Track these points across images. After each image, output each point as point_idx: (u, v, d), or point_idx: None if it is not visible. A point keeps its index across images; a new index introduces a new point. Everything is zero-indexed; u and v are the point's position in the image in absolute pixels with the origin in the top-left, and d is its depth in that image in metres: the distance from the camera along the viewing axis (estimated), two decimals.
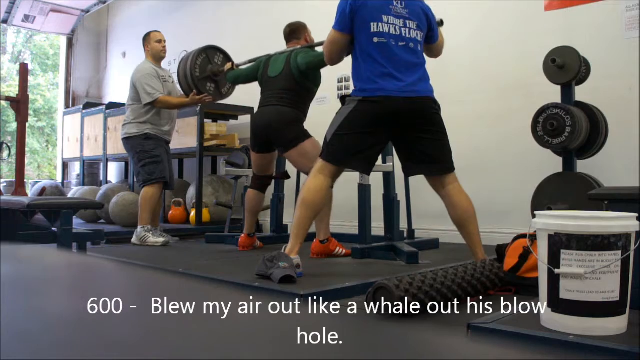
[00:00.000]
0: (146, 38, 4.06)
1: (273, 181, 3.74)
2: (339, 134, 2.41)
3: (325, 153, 2.45)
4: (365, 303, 1.82)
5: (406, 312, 1.72)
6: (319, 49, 3.15)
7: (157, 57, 4.03)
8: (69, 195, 5.55)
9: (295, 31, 3.43)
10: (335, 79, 4.67)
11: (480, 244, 2.47)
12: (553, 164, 3.16)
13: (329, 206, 3.11)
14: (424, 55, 2.54)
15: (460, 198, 2.46)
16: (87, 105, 6.42)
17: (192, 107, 4.19)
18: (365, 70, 2.40)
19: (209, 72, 3.87)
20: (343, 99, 2.48)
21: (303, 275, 2.38)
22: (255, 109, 4.09)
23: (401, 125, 2.42)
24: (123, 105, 5.82)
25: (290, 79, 3.18)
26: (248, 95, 5.02)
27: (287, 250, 2.39)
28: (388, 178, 3.36)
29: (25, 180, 4.73)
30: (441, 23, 2.68)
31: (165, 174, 3.90)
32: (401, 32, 2.40)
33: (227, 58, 4.00)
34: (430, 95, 2.44)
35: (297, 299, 1.98)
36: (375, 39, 2.37)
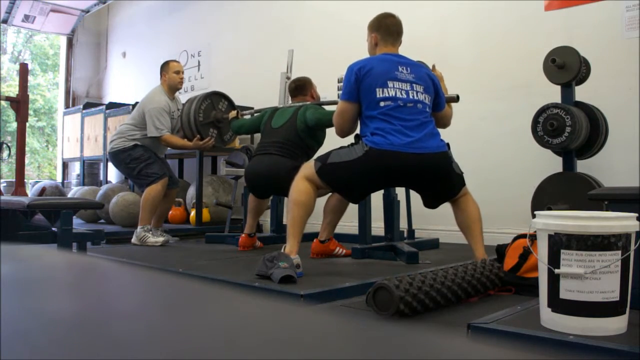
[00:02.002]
0: (164, 67, 4.03)
1: None
2: (340, 168, 2.42)
3: (320, 171, 2.45)
4: (365, 303, 1.82)
5: (406, 312, 1.72)
6: (328, 107, 3.16)
7: (173, 87, 4.01)
8: (69, 195, 5.54)
9: (301, 87, 3.44)
10: (335, 79, 4.67)
11: (482, 244, 2.50)
12: (553, 164, 3.16)
13: (342, 212, 3.08)
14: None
15: (467, 206, 2.54)
16: (87, 105, 6.42)
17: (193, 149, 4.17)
18: (373, 127, 2.39)
19: (212, 117, 3.90)
20: (357, 137, 2.47)
21: (303, 275, 2.38)
22: (255, 108, 4.09)
23: (410, 178, 2.46)
24: (123, 105, 5.84)
25: (293, 131, 3.16)
26: (247, 95, 5.03)
27: (287, 251, 2.39)
28: None
29: (25, 180, 4.72)
30: (457, 99, 2.69)
31: (165, 171, 3.90)
32: (408, 94, 2.40)
33: (231, 105, 4.04)
34: (440, 151, 2.42)
35: (297, 299, 1.98)
36: (382, 103, 2.38)
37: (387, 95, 2.38)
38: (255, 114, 3.56)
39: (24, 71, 4.58)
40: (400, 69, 2.44)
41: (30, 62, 13.59)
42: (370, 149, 2.35)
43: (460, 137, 3.79)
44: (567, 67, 2.99)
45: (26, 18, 7.05)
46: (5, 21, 7.01)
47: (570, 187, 2.92)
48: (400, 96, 2.39)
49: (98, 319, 0.28)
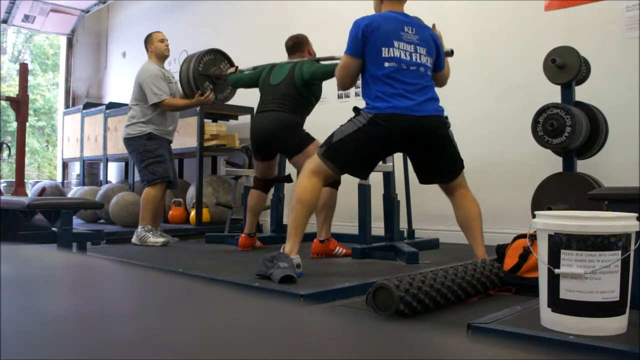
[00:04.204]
0: (148, 39, 4.07)
1: None
2: (345, 142, 2.41)
3: (326, 153, 2.44)
4: (365, 303, 1.82)
5: (406, 312, 1.72)
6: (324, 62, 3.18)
7: (160, 56, 4.04)
8: (69, 195, 5.54)
9: (298, 44, 3.46)
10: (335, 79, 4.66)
11: (482, 244, 2.49)
12: (553, 164, 3.16)
13: (333, 207, 3.12)
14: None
15: (466, 203, 2.53)
16: (87, 105, 6.42)
17: (196, 107, 4.15)
18: (376, 91, 2.40)
19: (211, 72, 3.89)
20: (356, 109, 2.49)
21: (303, 275, 2.38)
22: (255, 107, 4.08)
23: (410, 142, 2.46)
24: (123, 105, 5.83)
25: (291, 86, 3.19)
26: (248, 95, 5.03)
27: (287, 250, 2.38)
28: (388, 178, 3.36)
29: (25, 180, 4.72)
30: (451, 53, 2.70)
31: (169, 174, 3.91)
32: (411, 57, 2.42)
33: (232, 66, 4.02)
34: (438, 114, 2.44)
35: (297, 299, 1.99)
36: (386, 64, 2.39)
37: (392, 55, 2.39)
38: (253, 70, 3.57)
39: (24, 71, 4.58)
40: (405, 29, 2.44)
41: (30, 62, 13.58)
42: (374, 115, 2.37)
43: (460, 137, 3.77)
44: (567, 67, 2.99)
45: (26, 18, 7.05)
46: (5, 21, 7.01)
47: (570, 187, 2.92)
48: (404, 58, 2.40)
49: (98, 319, 0.28)
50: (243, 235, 3.51)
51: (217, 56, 3.98)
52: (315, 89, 3.25)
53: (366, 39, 2.41)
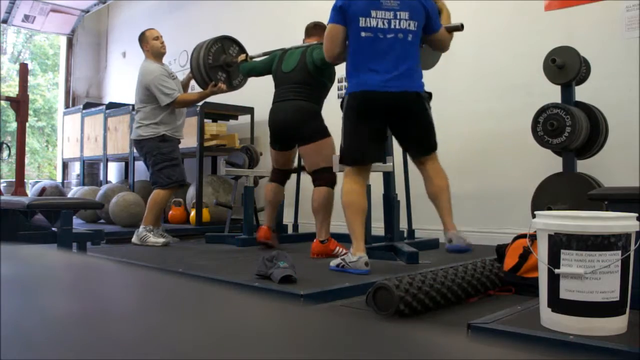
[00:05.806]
0: (142, 38, 4.02)
1: None
2: (347, 132, 2.55)
3: (342, 158, 2.60)
4: (365, 303, 1.82)
5: (406, 312, 1.72)
6: None
7: (157, 54, 4.00)
8: (69, 195, 5.54)
9: (317, 28, 3.47)
10: (336, 79, 4.66)
11: (450, 213, 2.56)
12: (553, 164, 3.16)
13: (331, 207, 3.14)
14: (424, 46, 2.62)
15: (436, 175, 2.59)
16: (87, 105, 6.41)
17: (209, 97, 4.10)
18: (351, 66, 2.51)
19: (222, 61, 3.88)
20: (342, 102, 2.61)
21: (369, 272, 2.45)
22: (256, 109, 4.08)
23: (385, 116, 2.52)
24: (123, 105, 5.83)
25: (305, 73, 3.24)
26: (248, 95, 5.04)
27: (353, 251, 2.50)
28: (388, 178, 3.36)
29: (25, 180, 4.72)
30: (461, 27, 2.71)
31: (184, 177, 3.89)
32: (390, 24, 2.43)
33: (242, 50, 4.01)
34: (410, 90, 2.46)
35: (297, 299, 1.99)
36: (363, 34, 2.44)
37: (368, 25, 2.43)
38: (265, 57, 3.57)
39: (24, 71, 4.58)
40: None
41: (30, 62, 13.57)
42: (349, 95, 2.50)
43: (460, 137, 3.79)
44: (567, 67, 2.99)
45: (26, 18, 7.04)
46: (5, 21, 7.01)
47: (570, 187, 2.92)
48: (382, 27, 2.43)
49: (98, 319, 0.28)
50: (264, 226, 3.47)
51: (225, 42, 3.95)
52: (328, 72, 3.30)
53: (346, 9, 2.46)
